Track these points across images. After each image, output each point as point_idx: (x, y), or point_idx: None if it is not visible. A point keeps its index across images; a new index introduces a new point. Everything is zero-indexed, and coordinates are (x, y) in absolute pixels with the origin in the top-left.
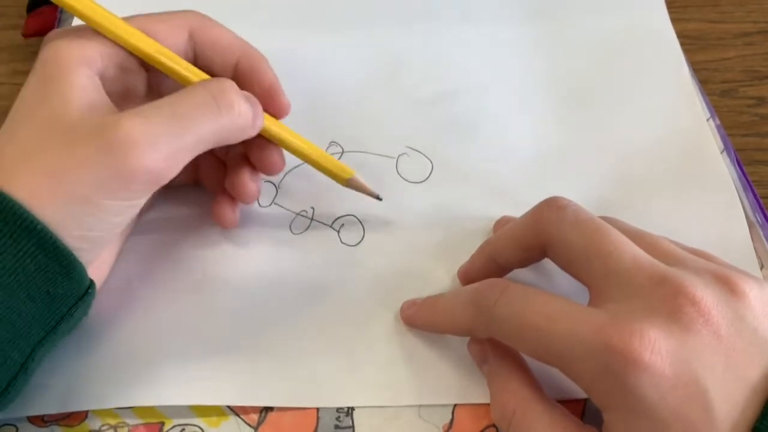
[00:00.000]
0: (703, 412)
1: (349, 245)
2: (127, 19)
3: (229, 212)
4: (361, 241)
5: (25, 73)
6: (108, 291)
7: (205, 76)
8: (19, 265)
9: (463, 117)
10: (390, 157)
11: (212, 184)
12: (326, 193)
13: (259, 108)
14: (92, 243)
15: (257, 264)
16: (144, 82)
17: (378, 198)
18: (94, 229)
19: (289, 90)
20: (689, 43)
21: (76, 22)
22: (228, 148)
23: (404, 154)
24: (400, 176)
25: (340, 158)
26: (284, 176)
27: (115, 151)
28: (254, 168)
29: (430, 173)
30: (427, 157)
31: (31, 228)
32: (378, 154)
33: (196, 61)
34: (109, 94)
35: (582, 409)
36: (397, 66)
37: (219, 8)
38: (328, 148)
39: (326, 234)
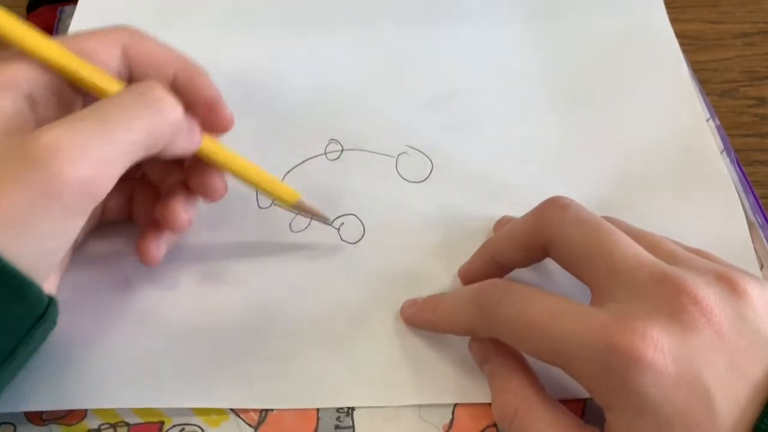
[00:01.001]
0: (705, 411)
1: (349, 243)
2: (57, 39)
3: (152, 246)
4: (360, 239)
5: None
6: (108, 292)
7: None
8: None
9: (462, 117)
10: (390, 156)
11: (144, 217)
12: (326, 193)
13: (196, 122)
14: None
15: (257, 263)
16: (80, 106)
17: (327, 221)
18: (28, 257)
19: (289, 88)
20: (689, 43)
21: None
22: (165, 174)
23: (404, 153)
24: (400, 175)
25: (339, 156)
26: (284, 177)
27: (39, 164)
28: (190, 195)
29: (430, 173)
30: (427, 157)
31: None
32: (378, 153)
33: (132, 77)
34: (42, 119)
35: (582, 409)
36: (398, 65)
37: (219, 8)
38: (327, 146)
39: (326, 232)
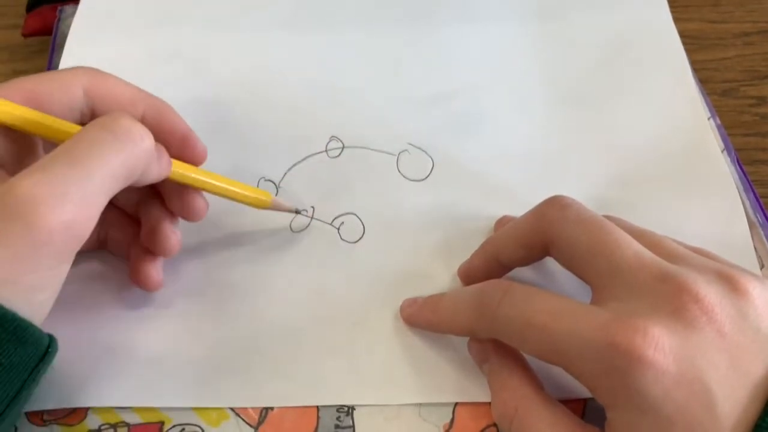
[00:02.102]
0: (706, 409)
1: (348, 242)
2: (15, 82)
3: (153, 272)
4: (360, 238)
5: (25, 73)
6: (108, 292)
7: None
8: None
9: (463, 115)
10: (391, 154)
11: (121, 246)
12: (326, 192)
13: (162, 148)
14: None
15: (257, 263)
16: (39, 144)
17: (297, 212)
18: (22, 311)
19: (291, 86)
20: (689, 42)
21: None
22: (142, 203)
23: (405, 151)
24: (401, 174)
25: (340, 154)
26: (284, 176)
27: (19, 217)
28: (173, 218)
29: (431, 171)
30: (428, 155)
31: None
32: (379, 151)
33: (95, 117)
34: (5, 165)
35: (582, 409)
36: (399, 64)
37: (220, 8)
38: (329, 143)
39: (326, 232)
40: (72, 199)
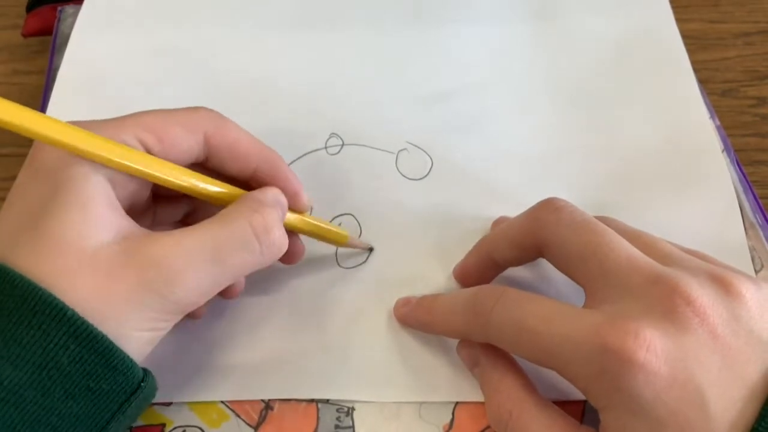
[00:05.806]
0: (699, 411)
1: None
2: (144, 120)
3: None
4: (358, 238)
5: (25, 73)
6: None
7: (226, 187)
8: (50, 359)
9: (464, 115)
10: (390, 152)
11: None
12: (324, 191)
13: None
14: None
15: None
16: (147, 185)
17: (371, 249)
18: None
19: (293, 82)
20: (689, 43)
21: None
22: None
23: (404, 149)
24: (399, 172)
25: (339, 151)
26: None
27: (159, 288)
28: None
29: (430, 170)
30: (427, 154)
31: (60, 315)
32: (378, 149)
33: (207, 162)
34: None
35: (582, 411)
36: (401, 62)
37: (225, 7)
38: (328, 140)
39: None
40: (202, 287)
